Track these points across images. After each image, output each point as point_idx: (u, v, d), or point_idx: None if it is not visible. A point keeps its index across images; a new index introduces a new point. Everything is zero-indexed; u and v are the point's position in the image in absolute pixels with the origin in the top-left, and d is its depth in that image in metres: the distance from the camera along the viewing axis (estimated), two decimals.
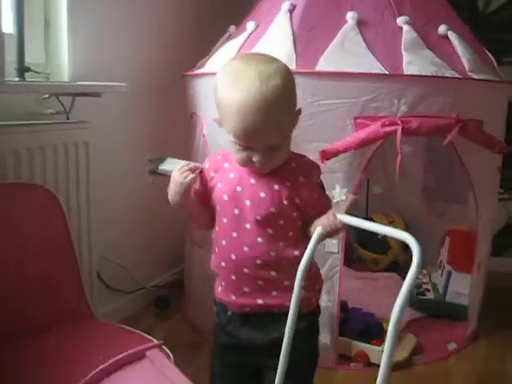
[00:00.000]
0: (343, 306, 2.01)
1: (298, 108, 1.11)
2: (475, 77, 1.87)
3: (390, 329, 0.86)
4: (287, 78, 1.05)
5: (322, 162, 1.68)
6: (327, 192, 1.22)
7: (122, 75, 2.01)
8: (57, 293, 1.44)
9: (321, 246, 1.77)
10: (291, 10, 1.89)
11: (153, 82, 2.32)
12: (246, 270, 1.11)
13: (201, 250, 2.15)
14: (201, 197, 1.17)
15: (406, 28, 1.84)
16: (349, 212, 1.05)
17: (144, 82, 2.26)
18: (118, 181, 2.16)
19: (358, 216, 0.99)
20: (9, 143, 1.50)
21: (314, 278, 1.18)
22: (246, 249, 1.11)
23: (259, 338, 1.13)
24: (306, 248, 1.03)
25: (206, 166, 1.18)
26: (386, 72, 1.73)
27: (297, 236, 1.13)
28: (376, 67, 1.74)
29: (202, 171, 1.16)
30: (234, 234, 1.12)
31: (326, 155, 1.71)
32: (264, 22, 1.97)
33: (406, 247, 2.72)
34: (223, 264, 1.14)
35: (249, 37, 2.00)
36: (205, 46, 2.26)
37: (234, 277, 1.13)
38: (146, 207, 2.35)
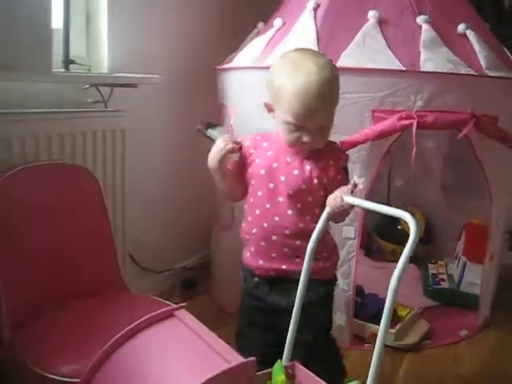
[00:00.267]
0: (360, 291, 2.11)
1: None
2: (491, 74, 1.93)
3: (389, 294, 0.98)
4: (336, 70, 1.26)
5: None
6: None
7: (157, 67, 2.15)
8: (95, 265, 1.59)
9: (338, 231, 1.88)
10: (315, 8, 1.99)
11: (185, 75, 2.45)
12: (274, 238, 1.28)
13: (227, 234, 2.28)
14: (238, 170, 1.34)
15: (425, 26, 1.92)
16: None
17: (177, 74, 2.39)
18: (151, 166, 2.30)
19: None
20: (54, 128, 1.65)
21: (331, 251, 1.35)
22: (277, 219, 1.27)
23: (283, 302, 1.28)
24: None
25: (247, 143, 1.34)
26: (404, 68, 1.82)
27: (321, 213, 1.27)
28: (394, 64, 1.82)
29: (241, 147, 1.32)
30: (268, 206, 1.28)
31: (346, 146, 1.81)
32: (290, 20, 2.07)
33: (422, 240, 2.78)
34: (254, 231, 1.31)
35: (276, 33, 2.10)
36: (235, 41, 2.37)
37: (263, 243, 1.30)
38: (177, 192, 2.48)
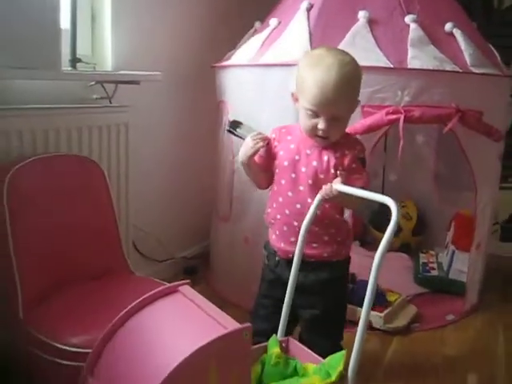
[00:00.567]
0: (352, 277, 2.21)
1: (359, 99, 1.40)
2: (476, 71, 2.03)
3: (373, 270, 1.11)
4: (357, 69, 1.37)
5: None
6: None
7: (159, 65, 2.26)
8: (100, 250, 1.70)
9: None
10: (309, 9, 2.08)
11: (186, 72, 2.55)
12: (295, 223, 1.40)
13: (225, 225, 2.38)
14: (264, 162, 1.48)
15: (413, 26, 2.02)
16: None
17: (178, 71, 2.50)
18: (153, 159, 2.41)
19: None
20: (62, 122, 1.76)
21: (346, 235, 1.47)
22: (298, 206, 1.41)
23: (299, 279, 1.38)
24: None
25: (273, 136, 1.48)
26: (392, 66, 1.92)
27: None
28: (382, 61, 1.92)
29: (268, 142, 1.46)
30: (290, 194, 1.42)
31: None
32: (285, 19, 2.17)
33: (414, 231, 2.89)
34: (279, 216, 1.45)
35: (271, 32, 2.20)
36: (233, 40, 2.47)
37: (285, 228, 1.44)
38: (178, 184, 2.60)
